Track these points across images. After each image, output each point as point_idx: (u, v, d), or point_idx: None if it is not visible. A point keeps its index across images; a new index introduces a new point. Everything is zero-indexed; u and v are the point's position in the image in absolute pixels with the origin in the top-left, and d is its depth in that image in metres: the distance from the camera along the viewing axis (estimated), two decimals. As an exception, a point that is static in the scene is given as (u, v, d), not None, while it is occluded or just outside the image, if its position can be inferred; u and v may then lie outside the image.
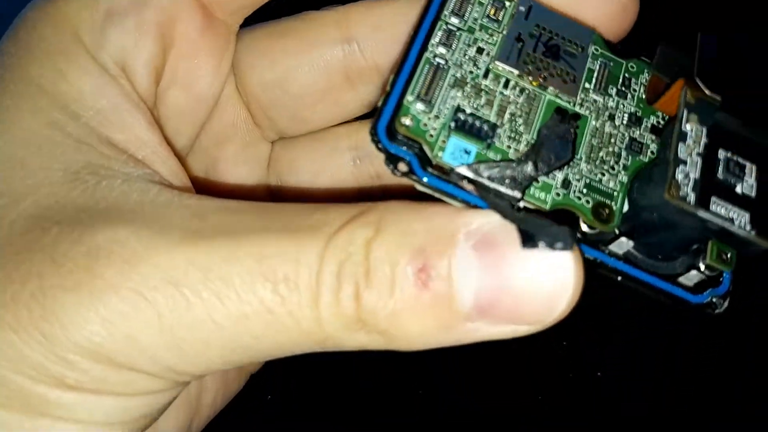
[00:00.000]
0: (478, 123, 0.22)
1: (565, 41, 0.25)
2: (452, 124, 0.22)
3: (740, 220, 0.21)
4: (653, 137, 0.24)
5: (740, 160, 0.22)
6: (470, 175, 0.21)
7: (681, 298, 0.23)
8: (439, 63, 0.23)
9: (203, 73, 0.28)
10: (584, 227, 0.22)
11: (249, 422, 0.39)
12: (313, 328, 0.20)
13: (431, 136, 0.22)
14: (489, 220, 0.20)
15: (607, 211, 0.22)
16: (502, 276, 0.19)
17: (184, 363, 0.21)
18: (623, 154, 0.23)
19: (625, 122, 0.24)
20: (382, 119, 0.22)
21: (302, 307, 0.20)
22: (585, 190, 0.22)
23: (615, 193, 0.23)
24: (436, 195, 0.22)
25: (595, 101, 0.24)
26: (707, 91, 0.22)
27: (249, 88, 0.30)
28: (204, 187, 0.30)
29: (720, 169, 0.21)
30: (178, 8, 0.26)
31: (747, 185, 0.21)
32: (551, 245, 0.19)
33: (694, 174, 0.21)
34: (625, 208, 0.23)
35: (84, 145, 0.22)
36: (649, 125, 0.24)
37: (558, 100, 0.24)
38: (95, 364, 0.20)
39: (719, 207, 0.21)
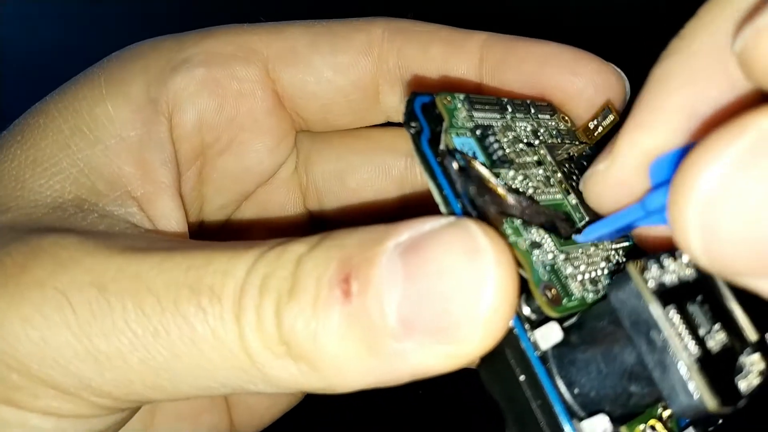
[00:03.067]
0: (498, 149, 0.22)
1: None
2: (478, 132, 0.22)
3: (691, 351, 0.17)
4: None
5: (714, 312, 0.19)
6: (464, 163, 0.20)
7: None
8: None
9: (257, 149, 0.29)
10: (523, 307, 0.19)
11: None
12: (235, 349, 0.18)
13: (456, 121, 0.22)
14: (421, 227, 0.18)
15: (554, 292, 0.20)
16: (424, 281, 0.17)
17: (101, 379, 0.19)
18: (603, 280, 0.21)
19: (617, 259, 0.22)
20: (426, 95, 0.22)
21: (225, 323, 0.18)
22: (548, 268, 0.20)
23: (571, 296, 0.20)
24: (423, 167, 0.21)
25: None
26: None
27: (310, 173, 0.32)
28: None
29: (694, 304, 0.19)
30: (252, 87, 0.28)
31: (714, 336, 0.18)
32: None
33: (666, 279, 0.18)
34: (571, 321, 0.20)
35: (83, 178, 0.23)
36: None
37: (568, 208, 0.23)
38: (8, 369, 0.19)
39: (675, 315, 0.18)
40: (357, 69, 0.29)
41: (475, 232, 0.18)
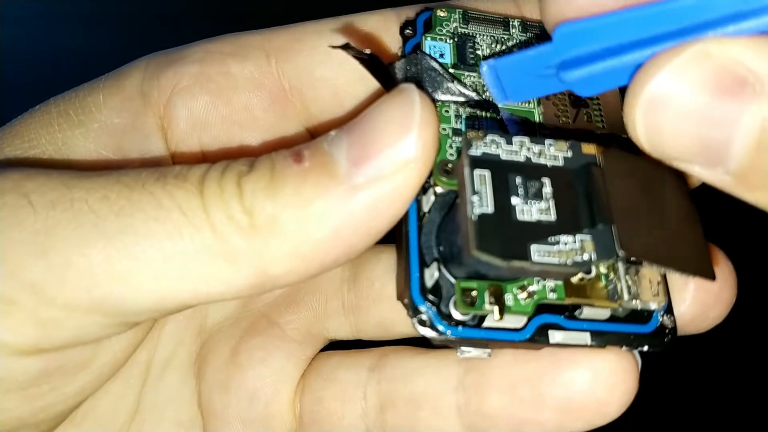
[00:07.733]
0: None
1: None
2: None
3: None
4: None
5: (533, 182, 0.20)
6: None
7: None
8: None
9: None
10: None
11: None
12: (199, 223, 0.20)
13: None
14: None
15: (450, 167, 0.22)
16: (364, 126, 0.21)
17: (59, 286, 0.20)
18: None
19: None
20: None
21: (189, 196, 0.20)
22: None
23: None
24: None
25: None
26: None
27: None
28: None
29: (530, 181, 0.20)
30: (247, 83, 0.27)
31: (531, 206, 0.20)
32: None
33: (496, 152, 0.21)
34: None
35: (57, 155, 0.25)
36: None
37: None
38: None
39: (485, 177, 0.20)
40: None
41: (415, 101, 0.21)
